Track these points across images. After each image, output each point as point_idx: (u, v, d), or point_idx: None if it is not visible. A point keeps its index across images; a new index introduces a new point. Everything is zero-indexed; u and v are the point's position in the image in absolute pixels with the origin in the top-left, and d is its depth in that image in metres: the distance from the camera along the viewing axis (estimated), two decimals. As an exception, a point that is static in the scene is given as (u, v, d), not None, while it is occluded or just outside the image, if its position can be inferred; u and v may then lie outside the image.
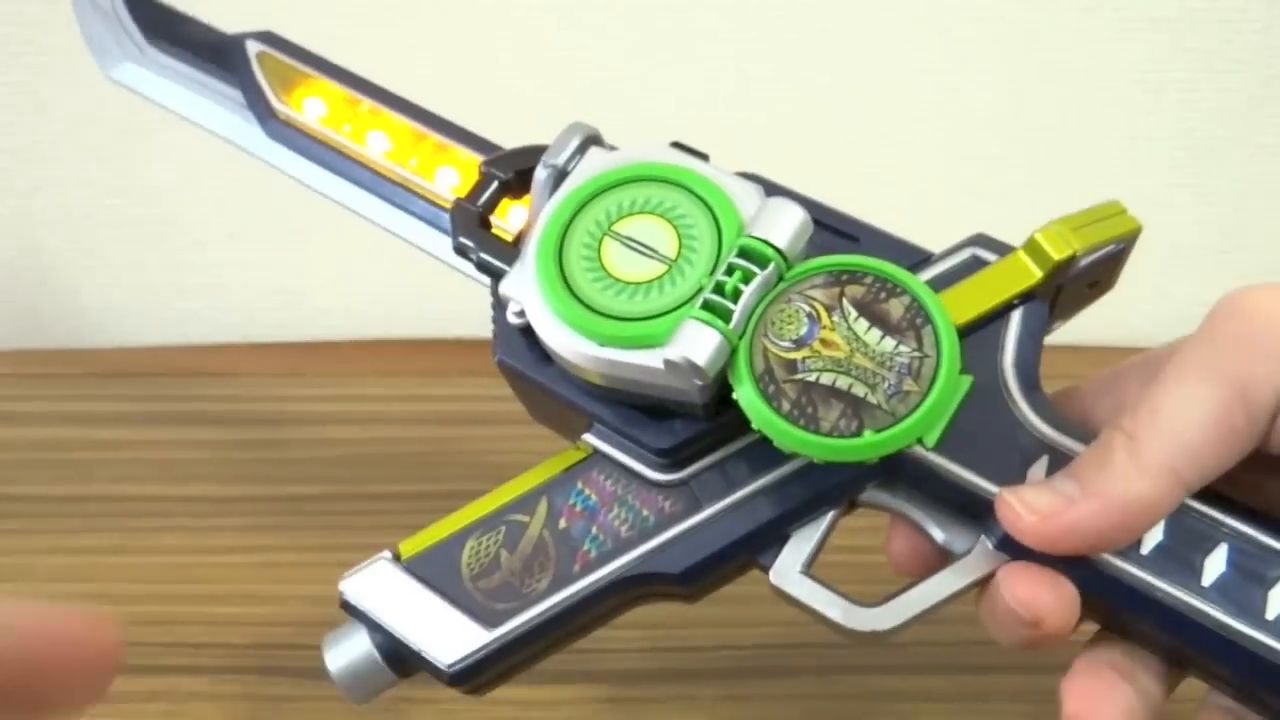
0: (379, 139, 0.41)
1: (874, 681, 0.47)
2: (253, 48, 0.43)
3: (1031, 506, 0.29)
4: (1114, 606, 0.31)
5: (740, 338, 0.31)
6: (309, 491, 0.58)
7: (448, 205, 0.38)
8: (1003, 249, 0.34)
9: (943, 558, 0.33)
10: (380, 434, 0.62)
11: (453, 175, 0.40)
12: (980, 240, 0.35)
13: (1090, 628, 0.33)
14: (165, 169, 0.71)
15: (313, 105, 0.42)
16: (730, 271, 0.32)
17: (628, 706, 0.46)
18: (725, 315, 0.31)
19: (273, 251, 0.72)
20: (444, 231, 0.39)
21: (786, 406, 0.30)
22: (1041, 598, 0.30)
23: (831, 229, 0.35)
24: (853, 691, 0.47)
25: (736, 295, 0.31)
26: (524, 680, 0.46)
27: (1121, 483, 0.29)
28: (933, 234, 0.72)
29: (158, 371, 0.68)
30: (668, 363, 0.31)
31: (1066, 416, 0.33)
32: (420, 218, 0.40)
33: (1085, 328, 0.73)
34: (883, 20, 0.68)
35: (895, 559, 0.35)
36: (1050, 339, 0.73)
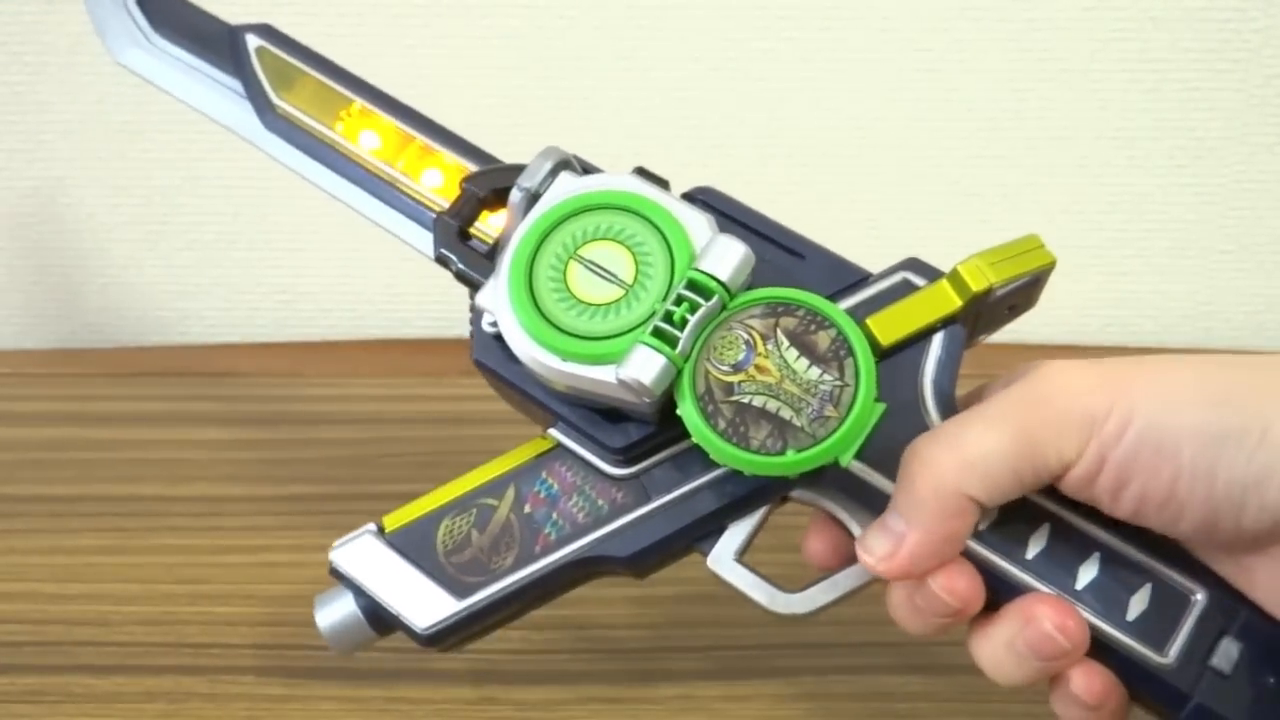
0: (370, 138, 0.44)
1: (874, 681, 0.47)
2: (252, 42, 0.45)
3: (874, 553, 0.34)
4: (998, 600, 0.35)
5: (685, 361, 0.35)
6: (309, 491, 0.57)
7: (431, 205, 0.42)
8: (931, 273, 0.38)
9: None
10: (380, 434, 0.62)
11: (437, 176, 0.43)
12: (911, 264, 0.38)
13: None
14: (165, 169, 0.71)
15: (308, 101, 0.44)
16: (679, 301, 0.35)
17: (628, 706, 0.46)
18: (672, 342, 0.35)
19: (273, 252, 0.73)
20: (427, 228, 0.42)
21: (722, 425, 0.34)
22: (961, 586, 0.34)
23: (781, 246, 0.39)
24: (853, 691, 0.47)
25: (683, 323, 0.35)
26: (524, 680, 0.46)
27: (928, 509, 0.33)
28: (934, 234, 0.73)
29: (158, 371, 0.68)
30: (620, 380, 0.35)
31: None
32: (406, 214, 0.43)
33: (1086, 328, 0.73)
34: (883, 20, 0.68)
35: (811, 555, 0.39)
36: (1053, 339, 0.74)
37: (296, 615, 0.50)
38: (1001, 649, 0.35)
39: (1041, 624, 0.34)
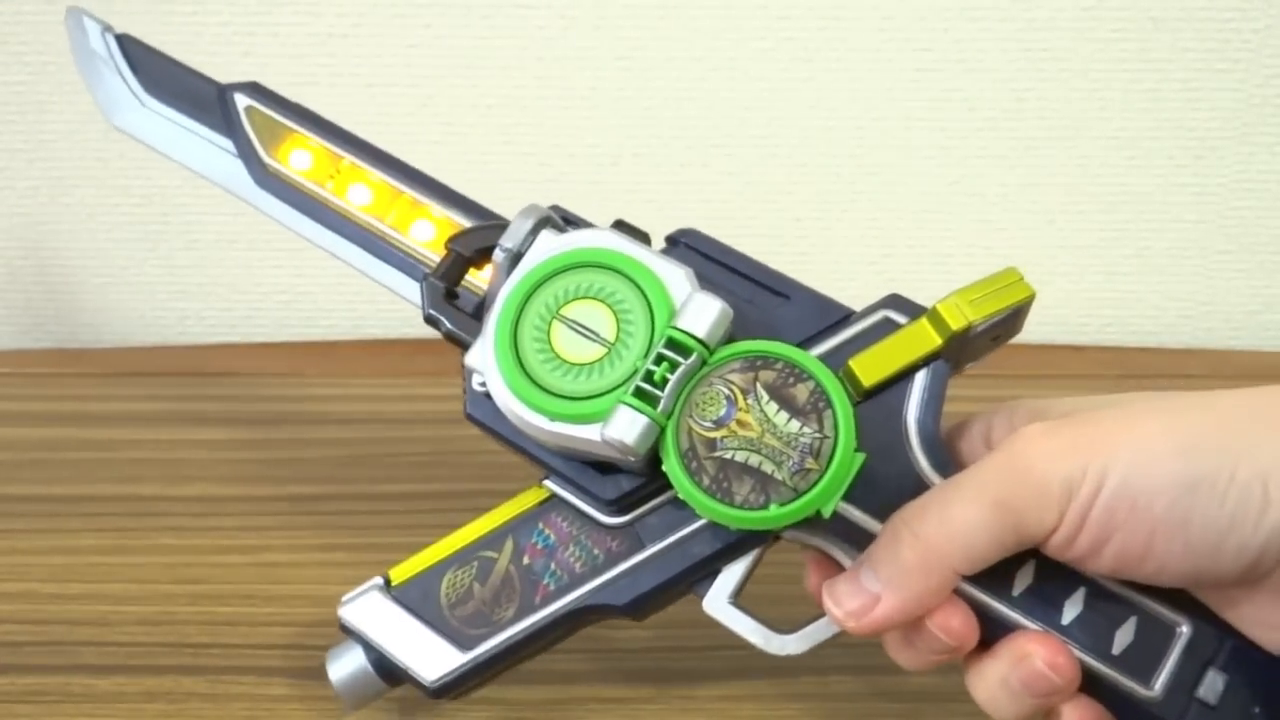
0: (359, 192, 0.45)
1: (874, 681, 0.47)
2: (241, 101, 0.46)
3: (844, 608, 0.35)
4: (988, 637, 0.36)
5: (668, 419, 0.36)
6: (309, 491, 0.57)
7: (421, 258, 0.43)
8: (912, 309, 0.38)
9: None
10: (380, 434, 0.62)
11: (426, 228, 0.44)
12: (892, 302, 0.39)
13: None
14: (165, 169, 0.70)
15: (298, 159, 0.45)
16: (659, 361, 0.36)
17: (628, 706, 0.46)
18: (654, 401, 0.36)
19: (273, 252, 0.72)
20: (418, 280, 0.43)
21: (706, 481, 0.35)
22: (957, 624, 0.35)
23: (765, 286, 0.40)
24: (852, 691, 0.47)
25: (664, 383, 0.36)
26: (522, 681, 0.46)
27: (912, 580, 0.34)
28: (934, 234, 0.73)
29: (157, 371, 0.68)
30: (605, 440, 0.36)
31: (960, 464, 0.36)
32: (397, 268, 0.44)
33: (1086, 328, 0.73)
34: (883, 20, 0.68)
35: (814, 590, 0.39)
36: (1053, 339, 0.74)
37: (296, 615, 0.50)
38: (996, 686, 0.35)
39: (1033, 662, 0.34)
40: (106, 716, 0.46)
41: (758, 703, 0.46)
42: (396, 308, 0.73)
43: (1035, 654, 0.34)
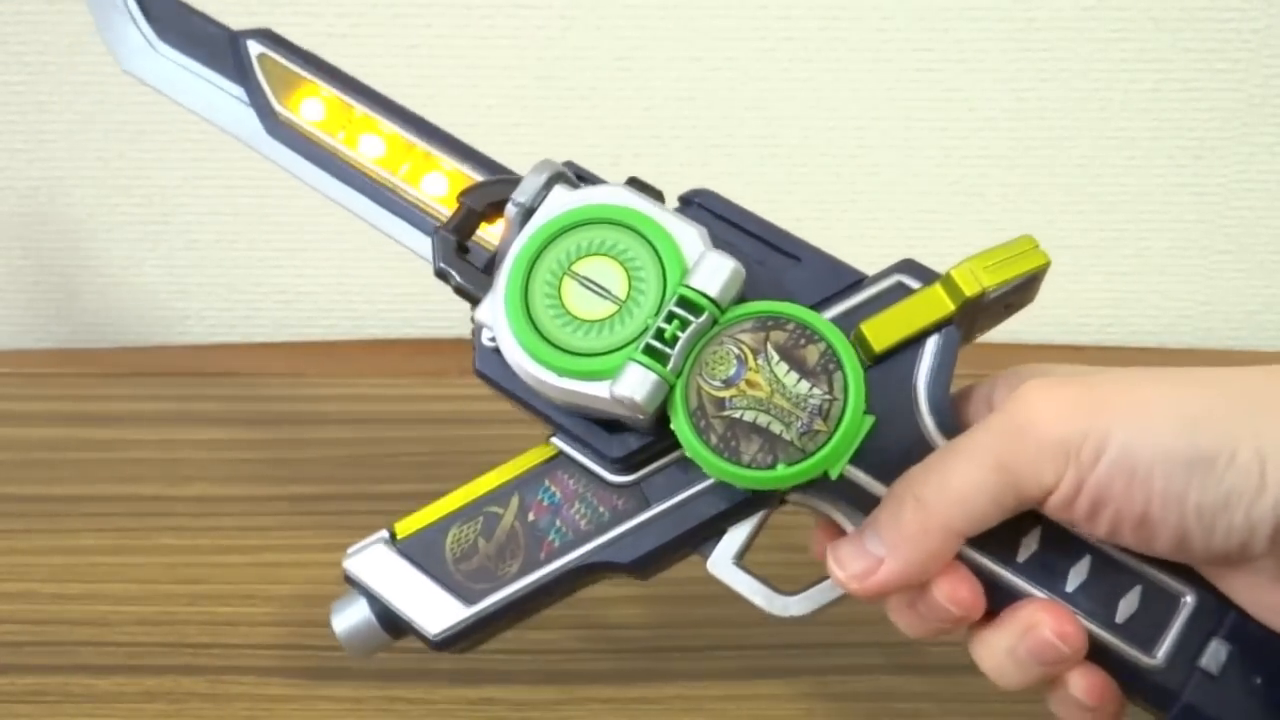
0: (371, 143, 0.44)
1: (874, 681, 0.47)
2: (253, 49, 0.45)
3: (848, 571, 0.35)
4: (992, 603, 0.36)
5: (677, 377, 0.36)
6: (309, 491, 0.58)
7: (431, 211, 0.43)
8: (926, 275, 0.38)
9: None
10: (380, 434, 0.62)
11: (437, 181, 0.43)
12: (906, 266, 0.38)
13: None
14: (165, 169, 0.71)
15: (310, 108, 0.45)
16: (670, 319, 0.36)
17: (628, 706, 0.46)
18: (664, 359, 0.36)
19: (273, 252, 0.73)
20: (428, 234, 0.43)
21: (714, 440, 0.35)
22: (964, 593, 0.35)
23: (777, 248, 0.39)
24: (852, 691, 0.47)
25: (675, 341, 0.36)
26: (523, 680, 0.46)
27: (915, 544, 0.34)
28: (934, 234, 0.73)
29: (158, 371, 0.68)
30: (614, 397, 0.36)
31: (965, 430, 0.36)
32: (407, 220, 0.44)
33: (1086, 328, 0.73)
34: (883, 20, 0.68)
35: (821, 556, 0.38)
36: (1053, 339, 0.74)
37: (296, 615, 0.50)
38: (1003, 655, 0.35)
39: (1041, 631, 0.34)
40: (106, 716, 0.46)
41: (758, 703, 0.46)
42: (396, 307, 0.74)
43: (1043, 623, 0.34)
